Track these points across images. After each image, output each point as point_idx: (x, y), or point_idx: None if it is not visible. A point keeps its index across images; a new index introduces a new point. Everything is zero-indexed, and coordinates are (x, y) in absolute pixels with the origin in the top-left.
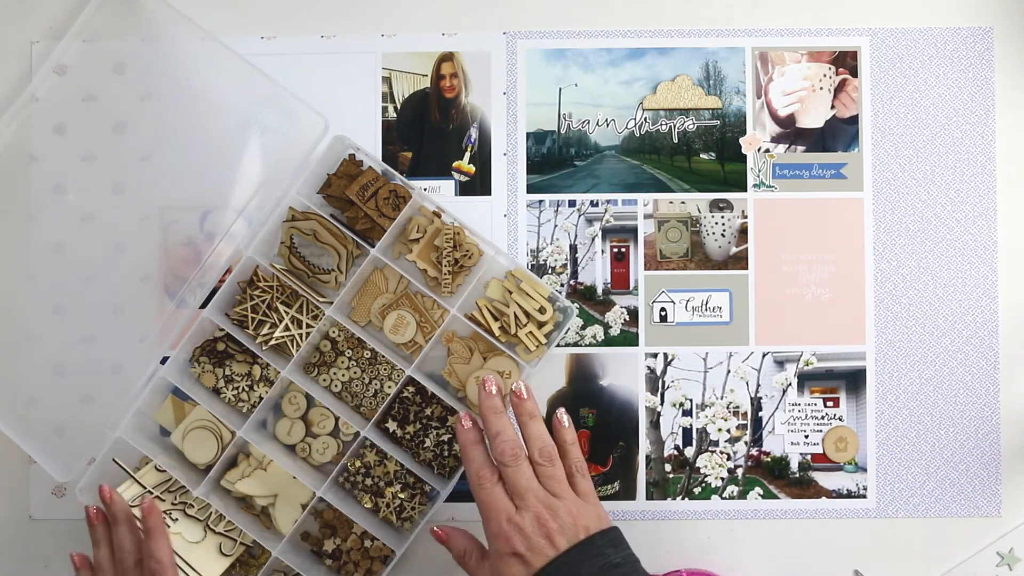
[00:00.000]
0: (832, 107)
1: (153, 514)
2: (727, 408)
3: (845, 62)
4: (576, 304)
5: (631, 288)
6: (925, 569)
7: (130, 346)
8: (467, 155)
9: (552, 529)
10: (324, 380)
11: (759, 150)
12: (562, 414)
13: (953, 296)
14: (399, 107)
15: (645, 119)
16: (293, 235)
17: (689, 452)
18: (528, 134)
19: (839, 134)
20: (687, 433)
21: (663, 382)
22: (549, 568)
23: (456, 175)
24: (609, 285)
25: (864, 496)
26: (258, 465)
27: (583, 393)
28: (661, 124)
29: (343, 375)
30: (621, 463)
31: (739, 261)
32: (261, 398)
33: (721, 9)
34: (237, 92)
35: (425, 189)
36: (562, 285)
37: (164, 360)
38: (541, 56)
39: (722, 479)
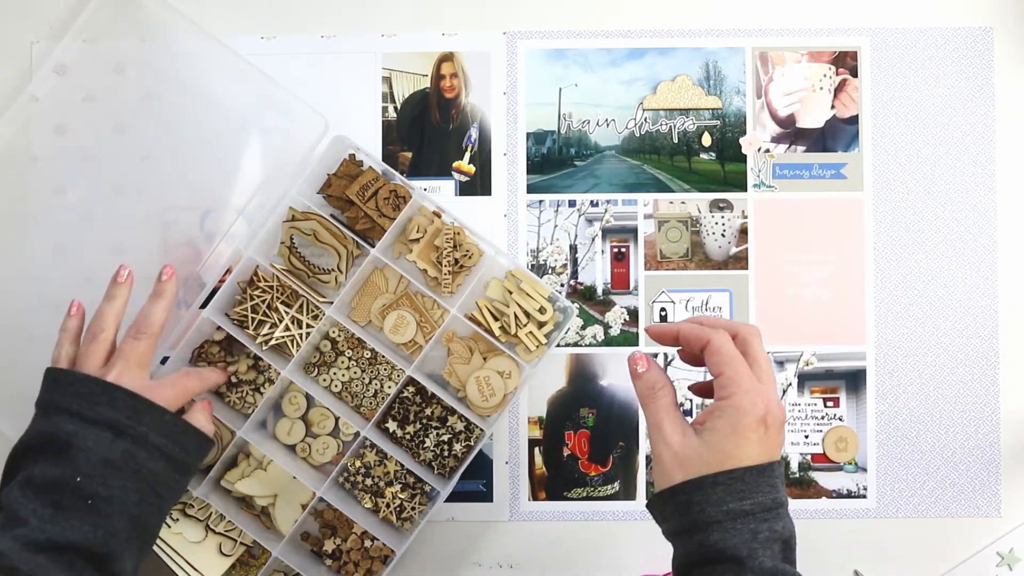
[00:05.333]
0: (832, 107)
1: (171, 279)
2: None
3: (845, 62)
4: (576, 304)
5: (631, 288)
6: (925, 569)
7: None
8: (467, 155)
9: None
10: (324, 380)
11: (759, 150)
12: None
13: (953, 296)
14: (399, 107)
15: (645, 119)
16: (293, 235)
17: None
18: (528, 134)
19: (839, 134)
20: None
21: None
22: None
23: (456, 175)
24: (609, 285)
25: (864, 496)
26: (258, 465)
27: (583, 393)
28: (661, 124)
29: (343, 375)
30: (621, 463)
31: (739, 261)
32: (262, 396)
33: (721, 9)
34: (237, 92)
35: (425, 189)
36: (562, 285)
37: (164, 360)
38: (541, 56)
39: None
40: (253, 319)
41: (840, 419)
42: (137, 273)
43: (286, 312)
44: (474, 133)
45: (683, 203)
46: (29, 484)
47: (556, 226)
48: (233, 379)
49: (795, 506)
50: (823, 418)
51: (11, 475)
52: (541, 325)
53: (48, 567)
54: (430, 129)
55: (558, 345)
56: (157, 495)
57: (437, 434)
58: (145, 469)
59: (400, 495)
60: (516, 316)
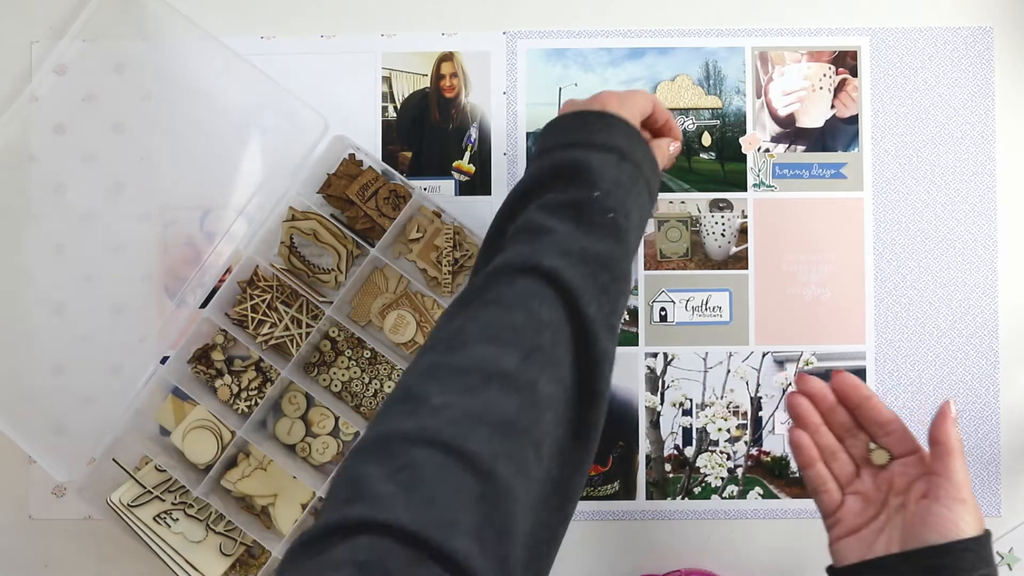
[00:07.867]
0: (832, 107)
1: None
2: (727, 408)
3: (845, 62)
4: None
5: (631, 288)
6: None
7: (130, 346)
8: (467, 155)
9: None
10: (324, 380)
11: (759, 150)
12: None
13: (953, 296)
14: (399, 107)
15: None
16: (293, 235)
17: (689, 452)
18: (528, 134)
19: (839, 134)
20: (687, 433)
21: (663, 382)
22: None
23: (456, 175)
24: None
25: None
26: (258, 465)
27: None
28: None
29: (343, 375)
30: (621, 463)
31: (739, 261)
32: (262, 396)
33: (721, 9)
34: (237, 92)
35: (425, 189)
36: None
37: (164, 360)
38: (541, 56)
39: (722, 479)
40: (253, 319)
41: None
42: (137, 273)
43: (286, 312)
44: (474, 133)
45: (683, 203)
46: (544, 207)
47: None
48: (235, 387)
49: (795, 506)
50: None
51: (514, 213)
52: None
53: (575, 268)
54: (430, 129)
55: None
56: (643, 225)
57: None
58: (643, 197)
59: None
60: None
